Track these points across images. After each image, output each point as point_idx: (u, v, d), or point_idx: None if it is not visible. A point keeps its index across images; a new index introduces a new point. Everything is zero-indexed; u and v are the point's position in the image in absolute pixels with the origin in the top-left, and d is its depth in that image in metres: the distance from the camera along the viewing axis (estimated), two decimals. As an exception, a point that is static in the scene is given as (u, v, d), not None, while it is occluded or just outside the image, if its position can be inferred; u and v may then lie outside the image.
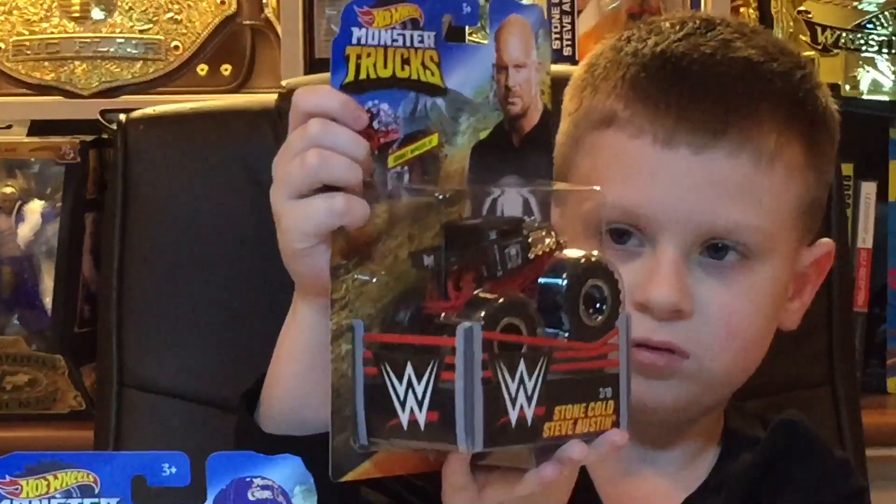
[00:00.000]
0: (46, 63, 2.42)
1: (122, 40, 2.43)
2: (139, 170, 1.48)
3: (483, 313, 0.88)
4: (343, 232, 0.93)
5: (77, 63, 2.42)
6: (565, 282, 0.91)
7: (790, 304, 1.26)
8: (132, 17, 2.44)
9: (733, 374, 1.22)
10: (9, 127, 2.42)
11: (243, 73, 2.46)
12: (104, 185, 2.12)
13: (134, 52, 2.43)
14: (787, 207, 1.20)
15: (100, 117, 2.24)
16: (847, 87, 2.40)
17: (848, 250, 1.70)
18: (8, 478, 0.84)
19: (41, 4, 2.42)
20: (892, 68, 2.41)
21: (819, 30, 2.41)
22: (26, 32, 2.43)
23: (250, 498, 0.86)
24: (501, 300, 0.89)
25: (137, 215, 1.47)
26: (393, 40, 0.93)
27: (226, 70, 2.47)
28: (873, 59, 2.43)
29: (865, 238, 2.41)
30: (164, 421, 1.45)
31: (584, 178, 1.22)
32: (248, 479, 0.86)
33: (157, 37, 2.44)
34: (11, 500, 0.84)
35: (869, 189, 2.42)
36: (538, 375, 0.90)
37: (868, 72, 2.41)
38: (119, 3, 2.43)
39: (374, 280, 0.93)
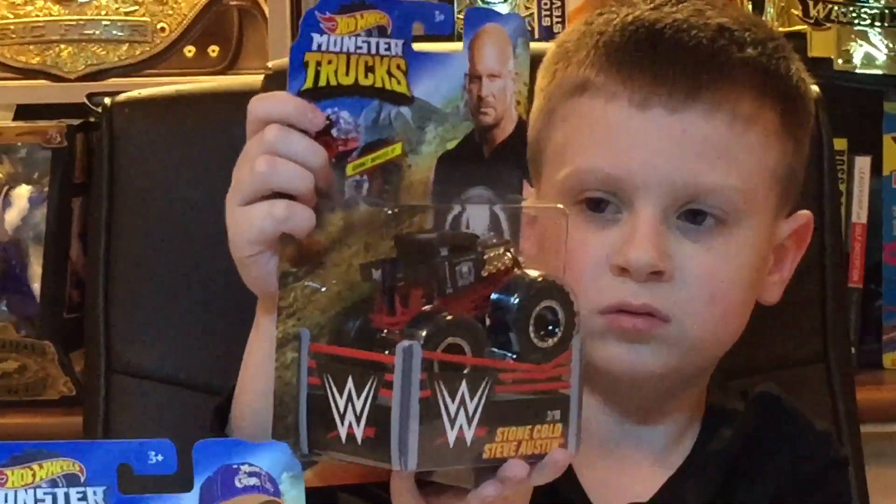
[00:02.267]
0: (31, 46, 2.42)
1: (108, 23, 2.43)
2: (125, 153, 1.48)
3: (425, 332, 0.88)
4: (292, 239, 0.93)
5: (63, 46, 2.42)
6: (516, 301, 0.91)
7: (770, 277, 1.27)
8: (117, -1, 2.43)
9: (714, 342, 1.23)
10: None
11: (231, 54, 2.47)
12: (92, 169, 2.12)
13: (120, 34, 2.43)
14: (764, 172, 1.21)
15: (86, 101, 2.23)
16: (840, 60, 2.40)
17: (841, 226, 1.69)
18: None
19: (25, -13, 2.42)
20: (885, 42, 2.41)
21: (811, 3, 2.41)
22: (11, 16, 2.42)
23: (237, 485, 0.87)
24: (447, 319, 0.89)
25: (124, 199, 1.48)
26: (357, 47, 0.93)
27: (213, 52, 2.47)
28: (866, 32, 2.43)
29: (860, 213, 2.42)
30: (153, 406, 1.46)
31: (559, 148, 1.23)
32: (235, 466, 0.87)
33: (143, 19, 2.43)
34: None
35: (863, 164, 2.42)
36: (480, 396, 0.89)
37: (861, 45, 2.42)
38: (104, -15, 2.44)
39: (325, 289, 0.93)
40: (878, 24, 2.42)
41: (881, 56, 2.43)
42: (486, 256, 0.92)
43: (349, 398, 0.90)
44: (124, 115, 1.50)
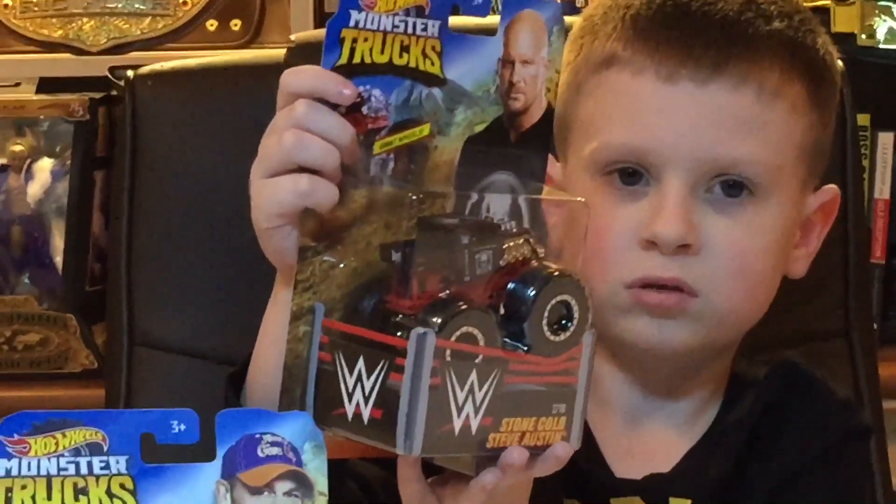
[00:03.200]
0: (54, 20, 2.43)
1: None
2: (148, 126, 1.49)
3: (440, 320, 0.88)
4: (314, 214, 0.94)
5: (85, 19, 2.43)
6: (532, 293, 0.91)
7: (797, 251, 1.27)
8: (140, -27, 2.44)
9: (741, 315, 1.23)
10: (17, 85, 2.43)
11: (253, 28, 2.47)
12: (114, 143, 2.13)
13: (142, 7, 2.44)
14: (792, 144, 1.21)
15: (109, 74, 2.25)
16: (863, 36, 2.39)
17: (864, 201, 1.69)
18: (16, 436, 0.85)
19: (48, -39, 2.43)
20: None
21: None
22: None
23: (260, 454, 0.88)
24: (462, 308, 0.89)
25: (146, 172, 1.49)
26: (394, 26, 0.93)
27: (235, 25, 2.47)
28: (890, 7, 2.41)
29: (883, 189, 2.42)
30: (175, 379, 1.47)
31: (587, 122, 1.23)
32: (257, 436, 0.88)
33: None
34: (20, 458, 0.86)
35: (886, 139, 2.42)
36: (489, 386, 0.90)
37: (885, 21, 2.41)
38: (127, -41, 2.44)
39: (343, 265, 0.93)
40: None
41: None
42: (505, 246, 0.92)
43: (359, 378, 0.91)
44: (147, 88, 1.50)
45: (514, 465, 0.94)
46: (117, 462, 0.87)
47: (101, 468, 0.87)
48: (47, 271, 2.39)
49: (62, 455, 0.86)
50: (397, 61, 0.93)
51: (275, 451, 0.88)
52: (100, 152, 2.31)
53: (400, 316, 0.90)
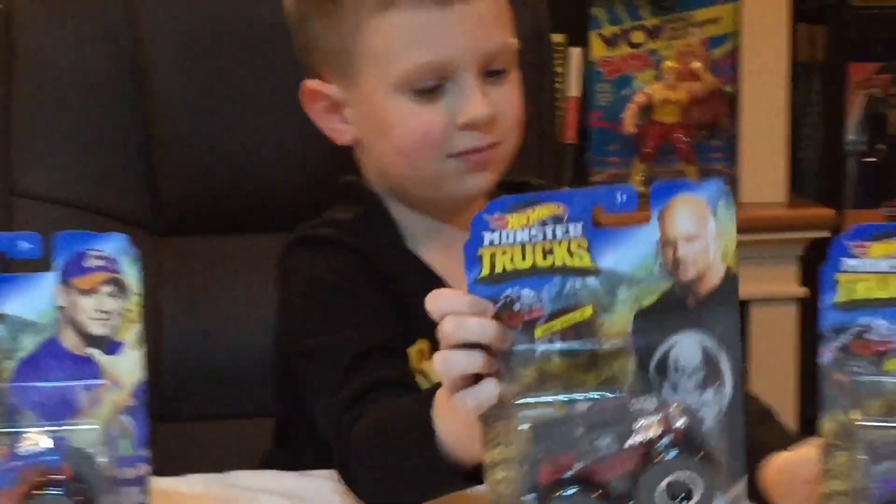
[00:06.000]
0: None
1: None
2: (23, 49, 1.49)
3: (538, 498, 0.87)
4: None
5: None
6: (641, 480, 0.87)
7: None
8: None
9: (514, 151, 1.28)
10: None
11: None
12: None
13: None
14: (512, 25, 1.27)
15: None
16: None
17: (555, 95, 1.77)
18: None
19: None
20: None
21: None
22: None
23: (88, 265, 0.91)
24: (571, 488, 0.87)
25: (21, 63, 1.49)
26: (532, 237, 0.89)
27: None
28: None
29: (573, 89, 2.50)
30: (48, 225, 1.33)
31: (380, 57, 1.23)
32: (85, 252, 0.91)
33: None
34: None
35: (575, 53, 2.50)
36: None
37: None
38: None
39: (519, 431, 0.90)
40: None
41: None
42: (636, 421, 0.87)
43: None
44: (22, 10, 1.50)
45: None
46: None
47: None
48: None
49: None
50: (541, 264, 0.89)
51: (100, 263, 0.90)
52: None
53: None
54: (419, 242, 1.31)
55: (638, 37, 2.53)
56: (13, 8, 1.48)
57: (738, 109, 2.50)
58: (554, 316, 0.89)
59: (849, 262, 0.89)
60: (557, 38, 2.44)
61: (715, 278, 0.90)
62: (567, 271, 0.89)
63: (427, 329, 1.20)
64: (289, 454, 1.29)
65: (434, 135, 1.23)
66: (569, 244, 0.89)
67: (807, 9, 2.58)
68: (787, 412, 2.35)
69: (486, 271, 0.89)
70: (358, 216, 1.27)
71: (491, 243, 0.88)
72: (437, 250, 1.29)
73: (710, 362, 0.89)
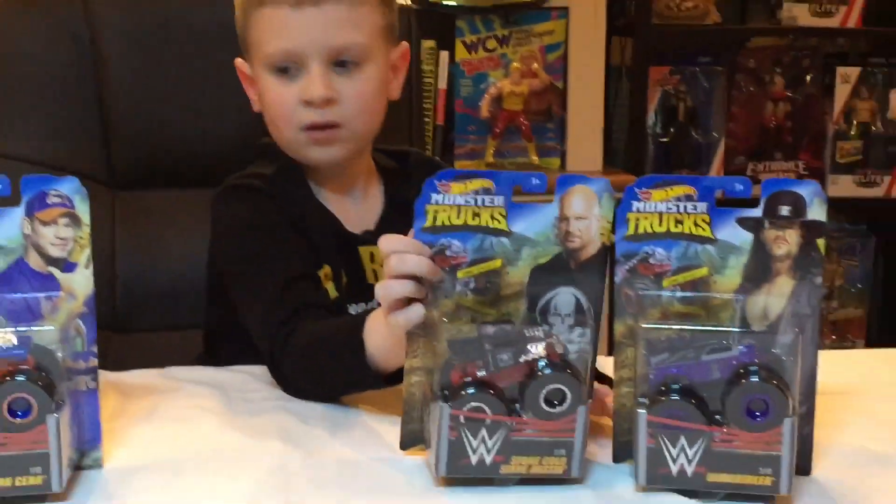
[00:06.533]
0: None
1: None
2: None
3: (452, 399, 0.87)
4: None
5: None
6: (530, 385, 0.87)
7: (391, 85, 1.28)
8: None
9: (366, 131, 1.25)
10: None
11: None
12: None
13: None
14: (375, 30, 1.22)
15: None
16: None
17: (422, 90, 1.73)
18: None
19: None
20: None
21: None
22: None
23: (48, 202, 0.90)
24: (470, 389, 0.87)
25: None
26: (466, 202, 0.90)
27: None
28: None
29: (442, 83, 2.48)
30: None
31: (257, 40, 1.22)
32: (46, 191, 0.90)
33: None
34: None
35: (444, 55, 2.46)
36: (501, 437, 0.87)
37: None
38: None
39: (436, 344, 0.90)
40: None
41: None
42: (527, 346, 0.88)
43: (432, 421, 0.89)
44: None
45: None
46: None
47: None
48: None
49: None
50: (470, 222, 0.90)
51: (58, 200, 0.90)
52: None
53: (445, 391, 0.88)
54: (319, 191, 1.30)
55: (492, 44, 2.52)
56: None
57: (566, 100, 2.49)
58: (473, 264, 0.90)
59: (636, 205, 0.90)
60: (429, 43, 2.45)
61: (593, 249, 0.91)
62: (488, 231, 0.90)
63: (327, 257, 1.21)
64: (215, 358, 1.27)
65: (285, 107, 1.21)
66: (492, 211, 0.90)
67: (618, 25, 2.60)
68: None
69: (429, 223, 0.90)
70: (275, 171, 1.25)
71: (436, 202, 0.90)
72: (334, 197, 1.27)
73: (579, 311, 0.90)
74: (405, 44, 1.29)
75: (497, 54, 2.48)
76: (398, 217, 1.25)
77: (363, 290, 1.22)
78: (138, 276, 1.44)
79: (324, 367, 1.05)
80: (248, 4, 1.22)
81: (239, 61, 1.28)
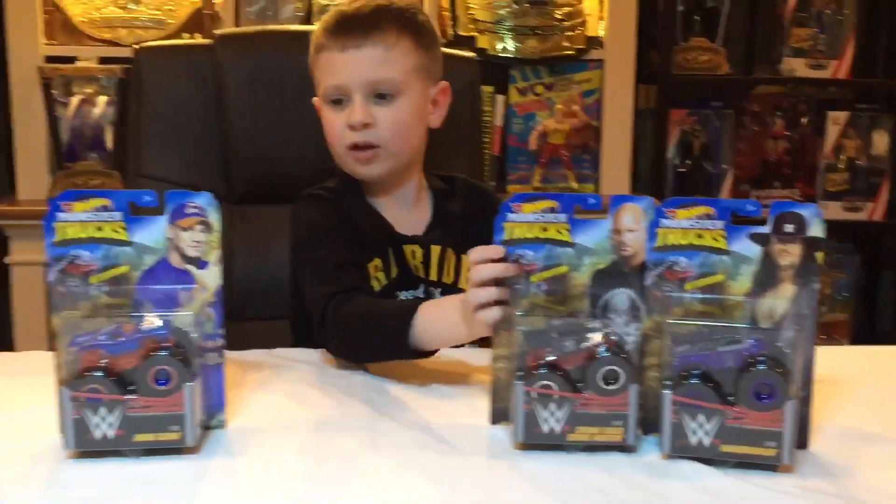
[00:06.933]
0: (105, 29, 2.38)
1: (146, 17, 2.39)
2: (149, 83, 1.46)
3: (526, 379, 0.85)
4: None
5: (122, 29, 2.38)
6: (590, 367, 0.86)
7: (432, 115, 1.27)
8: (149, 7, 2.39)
9: (404, 151, 1.24)
10: (87, 60, 2.36)
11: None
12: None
13: (149, 21, 2.39)
14: (408, 68, 1.21)
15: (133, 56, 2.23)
16: (491, 49, 2.43)
17: (481, 124, 1.64)
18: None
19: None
20: (514, 43, 2.41)
21: (477, 16, 2.42)
22: (95, 13, 2.38)
23: (187, 212, 0.91)
24: (542, 370, 0.85)
25: (148, 107, 1.45)
26: (536, 219, 0.89)
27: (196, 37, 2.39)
28: (503, 36, 2.41)
29: (496, 120, 2.47)
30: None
31: (319, 78, 1.23)
32: (185, 203, 0.91)
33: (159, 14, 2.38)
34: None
35: (500, 98, 2.43)
36: (566, 410, 0.85)
37: (503, 42, 2.44)
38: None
39: (516, 336, 0.88)
40: (508, 30, 2.43)
41: (511, 46, 2.44)
42: (587, 335, 0.86)
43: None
44: (147, 58, 1.48)
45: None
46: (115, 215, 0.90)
47: (109, 219, 0.89)
48: (102, 150, 2.34)
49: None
50: (540, 236, 0.89)
51: (194, 210, 0.91)
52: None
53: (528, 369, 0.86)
54: (375, 200, 1.30)
55: (539, 89, 2.49)
56: (141, 57, 1.47)
57: (600, 136, 2.47)
58: (543, 270, 0.90)
59: (664, 222, 0.89)
60: (489, 88, 2.47)
61: (642, 256, 0.90)
62: (555, 242, 0.89)
63: (378, 252, 1.21)
64: (303, 343, 1.28)
65: (335, 130, 1.22)
66: (558, 227, 0.89)
67: (644, 74, 2.56)
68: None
69: (507, 237, 0.89)
70: (337, 184, 1.26)
71: (512, 220, 0.89)
72: (387, 205, 1.26)
73: (633, 308, 0.89)
74: (445, 82, 1.27)
75: (544, 98, 2.47)
76: (442, 226, 1.25)
77: (410, 280, 1.22)
78: (249, 275, 1.44)
79: (368, 335, 1.04)
80: (313, 51, 1.23)
81: (315, 99, 1.28)
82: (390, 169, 1.23)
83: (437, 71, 1.26)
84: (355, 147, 1.21)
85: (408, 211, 1.27)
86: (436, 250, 1.24)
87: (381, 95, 1.20)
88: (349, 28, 1.19)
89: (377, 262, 1.21)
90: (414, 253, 1.22)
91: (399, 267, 1.21)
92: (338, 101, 1.22)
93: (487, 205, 1.28)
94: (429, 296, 1.22)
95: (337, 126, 1.22)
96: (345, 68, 1.19)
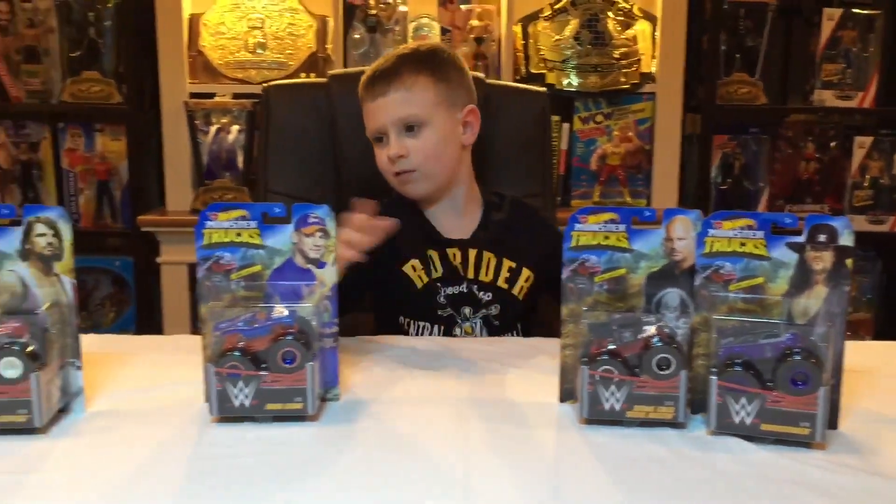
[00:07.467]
0: (238, 70, 2.41)
1: (271, 60, 2.42)
2: (276, 114, 1.46)
3: (590, 364, 0.84)
4: None
5: (252, 70, 2.41)
6: (646, 355, 0.84)
7: (464, 136, 1.25)
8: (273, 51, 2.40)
9: (440, 171, 1.23)
10: (224, 95, 2.40)
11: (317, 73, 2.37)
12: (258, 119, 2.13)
13: (274, 64, 2.41)
14: (429, 103, 1.21)
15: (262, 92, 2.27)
16: (557, 84, 2.40)
17: (551, 148, 1.66)
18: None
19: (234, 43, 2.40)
20: (577, 78, 2.35)
21: (545, 58, 2.39)
22: (231, 56, 2.42)
23: (309, 221, 0.91)
24: (604, 357, 0.83)
25: (276, 136, 1.45)
26: (598, 228, 0.87)
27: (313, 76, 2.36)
28: (569, 73, 2.38)
29: (561, 144, 2.45)
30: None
31: (366, 125, 1.25)
32: (308, 214, 0.91)
33: (281, 58, 2.41)
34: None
35: (565, 126, 2.45)
36: (625, 391, 0.84)
37: (568, 79, 2.40)
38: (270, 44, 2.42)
39: (581, 328, 0.86)
40: (573, 68, 2.40)
41: (575, 82, 2.42)
42: (643, 328, 0.84)
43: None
44: (274, 94, 1.48)
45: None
46: (251, 223, 0.90)
47: (246, 227, 0.90)
48: (234, 170, 2.37)
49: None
50: (602, 243, 0.87)
51: (315, 220, 0.90)
52: (258, 125, 2.23)
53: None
54: (427, 210, 1.28)
55: (599, 118, 2.48)
56: (269, 93, 1.47)
57: (652, 158, 2.43)
58: (605, 272, 0.88)
59: (711, 232, 0.87)
60: (556, 118, 2.45)
61: (691, 261, 0.88)
62: (615, 249, 0.88)
63: (418, 254, 1.21)
64: (382, 330, 1.26)
65: (382, 163, 1.23)
66: (617, 235, 0.88)
67: (691, 105, 2.52)
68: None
69: (573, 244, 0.88)
70: (394, 197, 1.27)
71: (578, 230, 0.88)
72: (437, 214, 1.26)
73: (683, 305, 0.88)
74: (472, 105, 1.25)
75: (603, 125, 2.43)
76: (486, 233, 1.24)
77: (455, 278, 1.21)
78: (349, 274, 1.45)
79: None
80: (361, 103, 1.26)
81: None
82: (430, 187, 1.24)
83: (461, 97, 1.24)
84: (397, 174, 1.22)
85: (458, 217, 1.26)
86: (473, 253, 1.23)
87: (409, 128, 1.21)
88: (376, 81, 1.21)
89: (415, 262, 1.21)
90: (455, 255, 1.22)
91: (443, 266, 1.21)
92: (379, 139, 1.24)
93: (529, 217, 1.28)
94: (470, 292, 1.21)
95: (382, 160, 1.23)
96: (378, 114, 1.21)
